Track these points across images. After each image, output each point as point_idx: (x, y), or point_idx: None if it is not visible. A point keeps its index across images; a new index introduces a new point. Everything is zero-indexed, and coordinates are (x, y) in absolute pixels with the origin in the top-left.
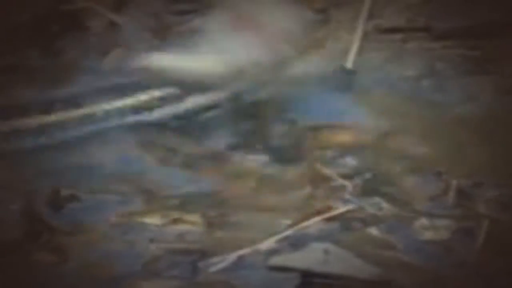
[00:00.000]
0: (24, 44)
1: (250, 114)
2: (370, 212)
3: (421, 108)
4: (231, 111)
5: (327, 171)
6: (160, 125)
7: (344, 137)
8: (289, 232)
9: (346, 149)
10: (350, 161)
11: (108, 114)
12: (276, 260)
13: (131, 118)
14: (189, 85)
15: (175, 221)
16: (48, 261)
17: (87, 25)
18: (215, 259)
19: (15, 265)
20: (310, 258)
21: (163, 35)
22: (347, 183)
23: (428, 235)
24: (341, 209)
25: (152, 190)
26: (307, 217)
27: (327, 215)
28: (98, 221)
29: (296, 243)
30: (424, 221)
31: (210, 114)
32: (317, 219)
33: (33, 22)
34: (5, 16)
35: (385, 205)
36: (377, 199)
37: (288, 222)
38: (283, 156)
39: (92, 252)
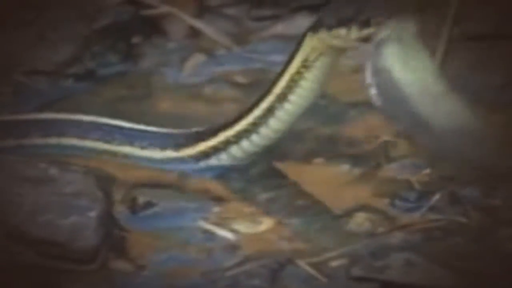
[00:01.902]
0: (104, 49)
1: None
2: (453, 221)
3: (504, 116)
4: None
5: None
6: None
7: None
8: (370, 241)
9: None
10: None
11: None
12: (357, 270)
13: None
14: None
15: (254, 228)
16: (124, 270)
17: (167, 30)
18: (294, 268)
19: (92, 274)
20: (391, 268)
21: (244, 41)
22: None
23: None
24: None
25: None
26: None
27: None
28: (176, 228)
29: (377, 253)
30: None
31: None
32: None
33: (113, 27)
34: (85, 22)
35: (472, 213)
36: (463, 207)
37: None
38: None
39: (169, 260)
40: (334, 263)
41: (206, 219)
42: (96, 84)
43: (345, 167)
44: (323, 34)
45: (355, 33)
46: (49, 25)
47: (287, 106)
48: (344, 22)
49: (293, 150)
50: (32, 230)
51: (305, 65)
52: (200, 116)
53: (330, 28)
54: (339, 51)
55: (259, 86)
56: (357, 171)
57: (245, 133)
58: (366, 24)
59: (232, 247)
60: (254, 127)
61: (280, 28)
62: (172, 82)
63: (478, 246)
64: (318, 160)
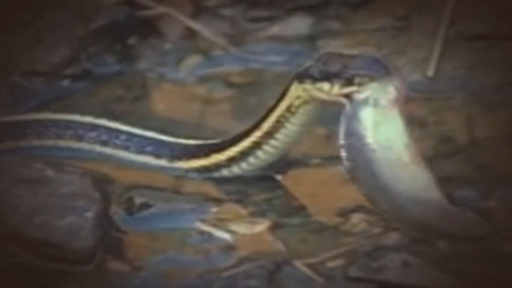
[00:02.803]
0: (100, 50)
1: None
2: None
3: (504, 117)
4: None
5: None
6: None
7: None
8: (367, 242)
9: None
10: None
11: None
12: (354, 271)
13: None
14: None
15: (250, 229)
16: (121, 271)
17: (164, 31)
18: (291, 269)
19: (89, 275)
20: (388, 269)
21: (240, 42)
22: None
23: (507, 246)
24: None
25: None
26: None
27: None
28: (172, 229)
29: (374, 253)
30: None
31: None
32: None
33: (110, 28)
34: (82, 22)
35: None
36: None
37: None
38: None
39: (166, 261)
40: (331, 264)
41: (202, 220)
42: (93, 84)
43: (342, 168)
44: (307, 85)
45: (336, 89)
46: (46, 26)
47: (273, 142)
48: (328, 77)
49: (289, 151)
50: (29, 231)
51: (290, 110)
52: (197, 117)
53: (314, 80)
54: (322, 101)
55: (255, 87)
56: None
57: (234, 160)
58: (349, 82)
59: (229, 248)
60: (241, 155)
61: (276, 29)
62: (168, 83)
63: (475, 247)
64: (315, 161)
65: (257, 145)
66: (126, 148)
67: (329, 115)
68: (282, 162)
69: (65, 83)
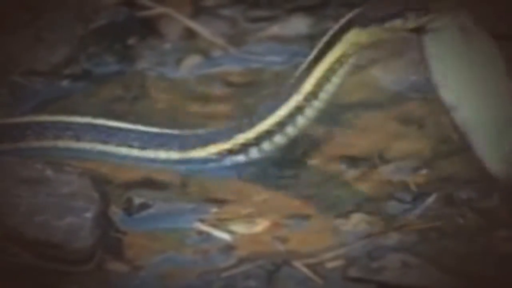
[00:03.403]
0: (100, 50)
1: None
2: (449, 223)
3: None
4: None
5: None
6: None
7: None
8: (366, 242)
9: (422, 159)
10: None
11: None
12: (353, 271)
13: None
14: None
15: (249, 228)
16: (121, 271)
17: (163, 31)
18: (290, 270)
19: (89, 275)
20: (387, 270)
21: (240, 42)
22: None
23: (507, 246)
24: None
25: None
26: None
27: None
28: (172, 229)
29: (374, 254)
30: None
31: None
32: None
33: (109, 28)
34: (82, 23)
35: (468, 214)
36: (460, 209)
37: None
38: None
39: (165, 261)
40: (330, 264)
41: (202, 220)
42: (93, 84)
43: (341, 168)
44: (373, 28)
45: (411, 22)
46: (46, 26)
47: (316, 103)
48: (400, 13)
49: (288, 152)
50: (28, 231)
51: (341, 61)
52: (196, 116)
53: (382, 21)
54: (378, 44)
55: (255, 87)
56: (352, 172)
57: (267, 134)
58: (425, 12)
59: (228, 248)
60: (278, 127)
61: (276, 29)
62: (168, 83)
63: (474, 247)
64: (313, 162)
65: (298, 110)
66: (130, 145)
67: (324, 116)
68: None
69: (65, 83)
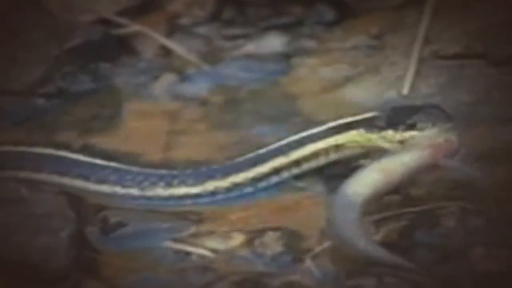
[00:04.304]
0: (75, 69)
1: None
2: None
3: (477, 134)
4: None
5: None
6: None
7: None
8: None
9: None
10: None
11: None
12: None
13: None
14: None
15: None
16: None
17: (138, 50)
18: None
19: None
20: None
21: (215, 60)
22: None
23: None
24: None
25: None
26: None
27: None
28: (148, 249)
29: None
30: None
31: None
32: None
33: (84, 47)
34: (57, 42)
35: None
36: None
37: None
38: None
39: (142, 280)
40: (307, 282)
41: (177, 239)
42: (68, 103)
43: (317, 189)
44: (373, 135)
45: (399, 135)
46: (20, 45)
47: (295, 171)
48: (393, 125)
49: None
50: (3, 252)
51: (337, 148)
52: (172, 134)
53: (380, 129)
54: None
55: (230, 105)
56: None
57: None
58: (411, 127)
59: (204, 267)
60: (252, 181)
61: (251, 47)
62: (143, 101)
63: (453, 266)
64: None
65: (276, 171)
66: (86, 178)
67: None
68: None
69: (40, 102)
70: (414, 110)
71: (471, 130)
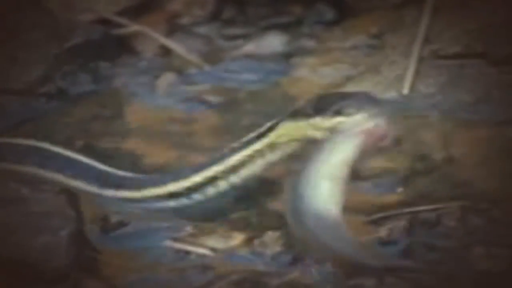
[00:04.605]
0: (75, 69)
1: None
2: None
3: (477, 134)
4: None
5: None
6: None
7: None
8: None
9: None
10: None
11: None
12: None
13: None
14: None
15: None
16: None
17: (139, 49)
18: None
19: None
20: (363, 287)
21: (215, 60)
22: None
23: (485, 264)
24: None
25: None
26: None
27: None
28: (148, 248)
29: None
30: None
31: None
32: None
33: (84, 47)
34: (57, 41)
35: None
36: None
37: None
38: None
39: (142, 280)
40: (307, 281)
41: (177, 238)
42: (68, 103)
43: None
44: (301, 123)
45: (327, 121)
46: (20, 45)
47: (233, 179)
48: (321, 111)
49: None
50: (2, 251)
51: (271, 147)
52: (172, 135)
53: (307, 117)
54: (308, 140)
55: (230, 105)
56: None
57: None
58: (338, 112)
59: (204, 267)
60: (188, 191)
61: (251, 47)
62: (143, 101)
63: (451, 265)
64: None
65: (211, 180)
66: (64, 173)
67: None
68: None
69: (40, 102)
70: (341, 96)
71: (471, 130)
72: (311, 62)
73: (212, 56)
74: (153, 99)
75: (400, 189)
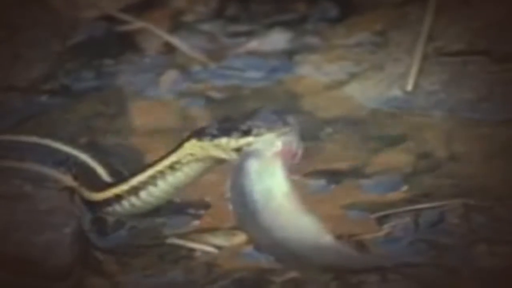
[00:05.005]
0: (78, 66)
1: None
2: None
3: (480, 131)
4: None
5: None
6: None
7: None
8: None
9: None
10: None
11: None
12: (334, 286)
13: None
14: None
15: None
16: (100, 287)
17: (142, 46)
18: (271, 285)
19: None
20: (367, 283)
21: (219, 57)
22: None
23: (488, 261)
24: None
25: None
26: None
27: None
28: (151, 245)
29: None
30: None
31: None
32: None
33: (88, 44)
34: (60, 38)
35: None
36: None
37: None
38: None
39: (146, 277)
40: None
41: (181, 235)
42: (71, 100)
43: (321, 183)
44: (205, 143)
45: (233, 142)
46: (23, 42)
47: (133, 200)
48: (226, 132)
49: None
50: (5, 248)
51: (173, 167)
52: (175, 132)
53: (212, 137)
54: (215, 161)
55: (234, 102)
56: (333, 187)
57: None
58: (246, 133)
59: (209, 263)
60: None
61: (255, 44)
62: (147, 98)
63: (457, 262)
64: (293, 177)
65: (117, 198)
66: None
67: (305, 131)
68: None
69: (43, 99)
70: (247, 115)
71: (475, 128)
72: (314, 60)
73: (216, 53)
74: (156, 96)
75: (404, 187)
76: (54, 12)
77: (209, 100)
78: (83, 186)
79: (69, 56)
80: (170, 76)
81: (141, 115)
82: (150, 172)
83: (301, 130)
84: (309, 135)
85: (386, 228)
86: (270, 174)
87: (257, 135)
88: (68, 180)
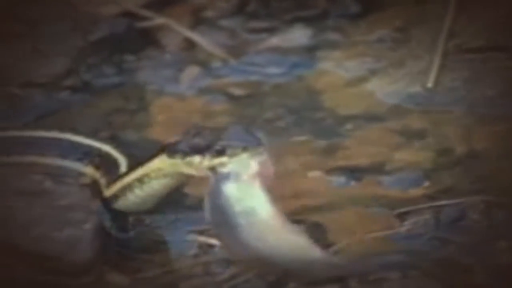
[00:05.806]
0: (99, 61)
1: None
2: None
3: (500, 128)
4: None
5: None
6: None
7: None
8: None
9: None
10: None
11: None
12: (353, 284)
13: None
14: None
15: None
16: (120, 282)
17: (163, 43)
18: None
19: (88, 287)
20: (388, 281)
21: (240, 53)
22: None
23: (508, 258)
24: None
25: None
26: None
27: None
28: (171, 241)
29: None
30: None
31: None
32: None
33: (108, 40)
34: (80, 34)
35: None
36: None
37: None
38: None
39: (166, 273)
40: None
41: (201, 232)
42: (92, 96)
43: (341, 180)
44: (177, 160)
45: (207, 161)
46: (44, 38)
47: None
48: (199, 150)
49: (288, 163)
50: (26, 244)
51: (142, 180)
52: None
53: (184, 155)
54: (184, 177)
55: (254, 98)
56: (353, 184)
57: None
58: (220, 153)
59: (228, 260)
60: None
61: (275, 40)
62: (167, 94)
63: (474, 259)
64: (314, 173)
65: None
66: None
67: (326, 127)
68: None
69: (64, 94)
70: (219, 134)
71: (495, 124)
72: (335, 56)
73: (237, 49)
74: (177, 92)
75: (425, 183)
76: (75, 8)
77: (230, 96)
78: (104, 177)
79: (90, 52)
80: (191, 72)
81: (161, 111)
82: (119, 184)
83: (322, 126)
84: (330, 131)
85: (407, 224)
86: (250, 196)
87: (231, 155)
88: (90, 171)
